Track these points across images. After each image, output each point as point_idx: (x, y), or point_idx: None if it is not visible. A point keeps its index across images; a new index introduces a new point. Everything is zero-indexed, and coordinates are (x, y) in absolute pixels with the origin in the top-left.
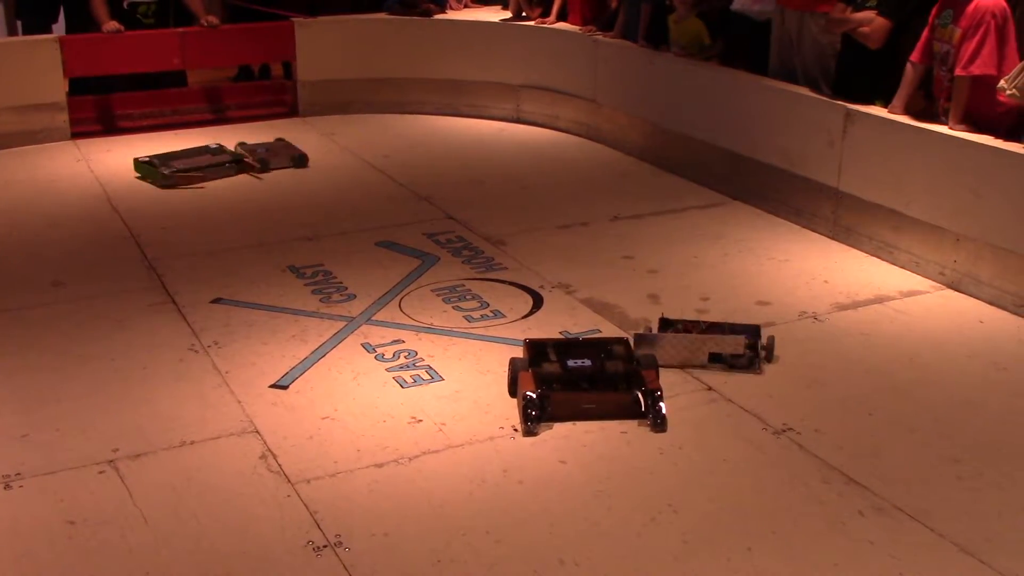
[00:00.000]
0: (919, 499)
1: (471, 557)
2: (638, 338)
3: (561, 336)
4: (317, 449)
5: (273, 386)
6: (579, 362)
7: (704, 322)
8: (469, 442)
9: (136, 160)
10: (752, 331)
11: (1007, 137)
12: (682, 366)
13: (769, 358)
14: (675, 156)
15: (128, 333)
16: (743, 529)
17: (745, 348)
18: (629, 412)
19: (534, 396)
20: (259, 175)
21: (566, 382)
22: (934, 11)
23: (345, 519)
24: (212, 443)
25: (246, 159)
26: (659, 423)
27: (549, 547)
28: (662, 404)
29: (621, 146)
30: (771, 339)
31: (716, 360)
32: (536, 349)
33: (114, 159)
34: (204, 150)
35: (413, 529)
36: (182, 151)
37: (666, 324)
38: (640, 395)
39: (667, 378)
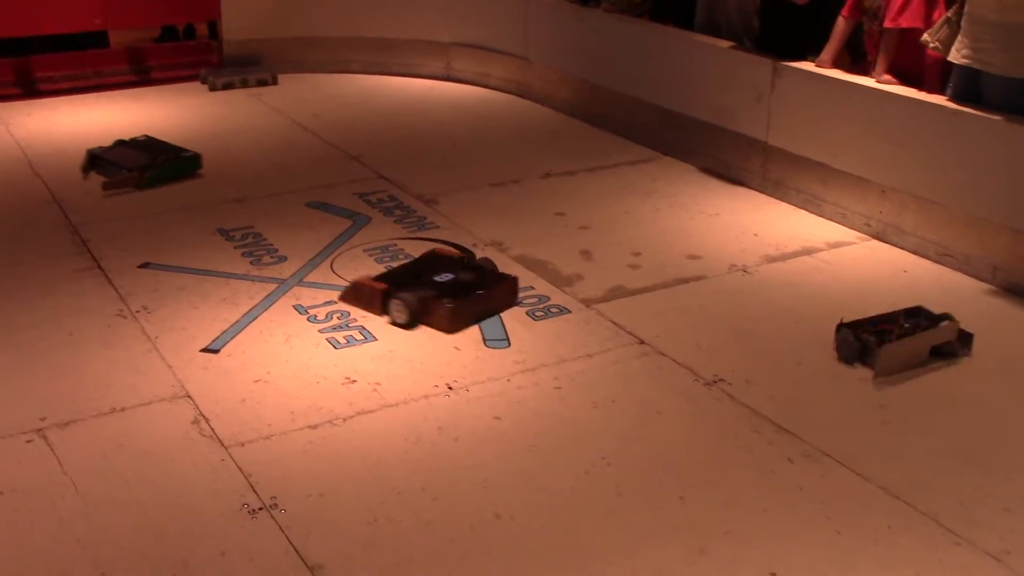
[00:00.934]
0: (846, 445)
1: (407, 515)
2: (887, 354)
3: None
4: (250, 412)
5: (204, 350)
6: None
7: (889, 313)
8: (404, 401)
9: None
10: (922, 312)
11: (932, 90)
12: (904, 369)
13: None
14: (606, 112)
15: (53, 300)
16: (676, 479)
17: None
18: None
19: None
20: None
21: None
22: None
23: (280, 481)
24: (143, 409)
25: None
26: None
27: (485, 503)
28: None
29: (552, 103)
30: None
31: (935, 354)
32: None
33: (35, 123)
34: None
35: (349, 489)
36: (131, 141)
37: (854, 327)
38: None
39: (600, 332)
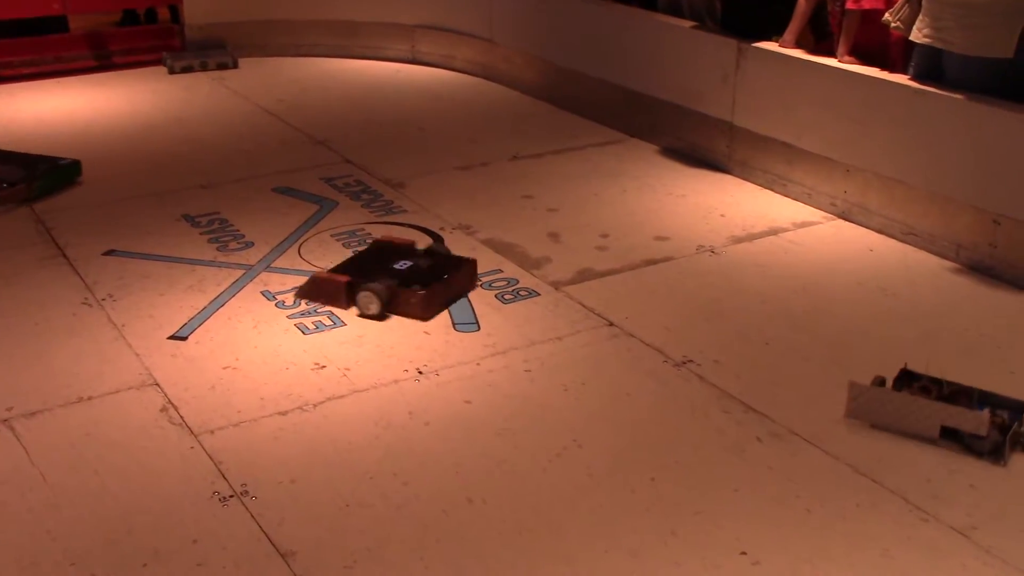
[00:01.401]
0: (814, 424)
1: (379, 500)
2: (855, 389)
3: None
4: (219, 399)
5: (172, 337)
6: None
7: (954, 384)
8: (374, 386)
9: None
10: (1015, 407)
11: (896, 69)
12: (907, 434)
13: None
14: (572, 94)
15: (17, 289)
16: (646, 460)
17: (992, 428)
18: None
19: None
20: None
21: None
22: None
23: (251, 468)
24: (111, 398)
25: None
26: None
27: (457, 487)
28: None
29: (518, 85)
30: None
31: (950, 437)
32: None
33: None
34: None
35: (320, 475)
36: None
37: (907, 378)
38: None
39: (569, 315)
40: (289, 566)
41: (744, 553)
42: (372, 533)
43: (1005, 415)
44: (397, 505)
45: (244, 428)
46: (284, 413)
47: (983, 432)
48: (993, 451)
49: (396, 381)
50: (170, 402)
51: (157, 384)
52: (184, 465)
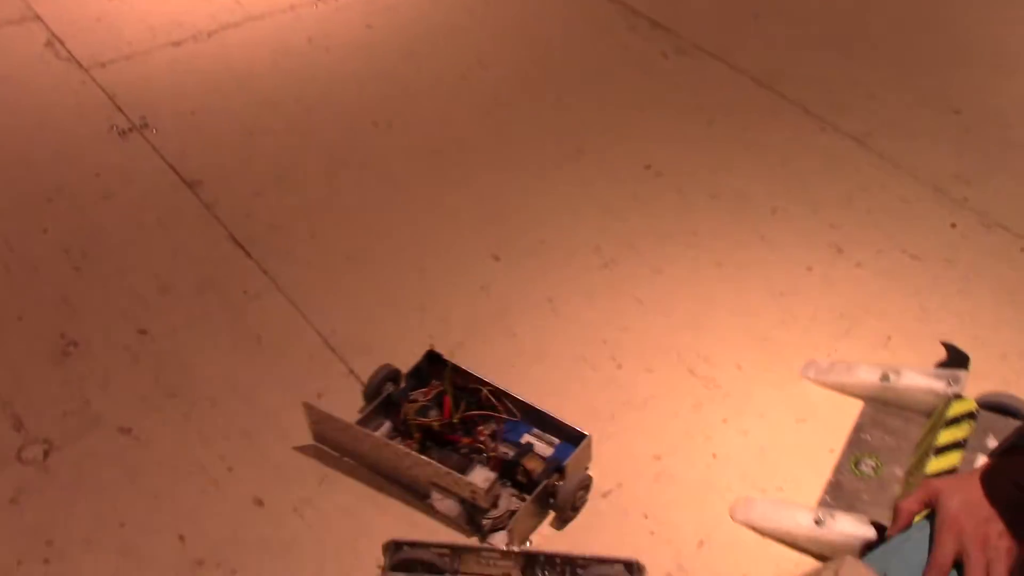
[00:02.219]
0: (719, 40)
1: (283, 125)
2: (312, 413)
3: None
4: (107, 31)
5: None
6: None
7: (485, 388)
8: (269, 12)
9: None
10: (572, 438)
11: None
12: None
13: (563, 511)
14: None
15: None
16: (553, 79)
17: (492, 489)
18: None
19: None
20: None
21: None
22: None
23: (148, 100)
24: None
25: None
26: None
27: (361, 111)
28: None
29: None
30: (587, 480)
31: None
32: None
33: None
34: None
35: (220, 104)
36: None
37: (434, 363)
38: None
39: None
40: (197, 195)
41: (648, 167)
42: (278, 159)
43: (541, 460)
44: (302, 131)
45: (136, 60)
46: (177, 44)
47: (483, 503)
48: (493, 530)
49: (293, 7)
50: (55, 36)
51: (39, 17)
52: (77, 100)
